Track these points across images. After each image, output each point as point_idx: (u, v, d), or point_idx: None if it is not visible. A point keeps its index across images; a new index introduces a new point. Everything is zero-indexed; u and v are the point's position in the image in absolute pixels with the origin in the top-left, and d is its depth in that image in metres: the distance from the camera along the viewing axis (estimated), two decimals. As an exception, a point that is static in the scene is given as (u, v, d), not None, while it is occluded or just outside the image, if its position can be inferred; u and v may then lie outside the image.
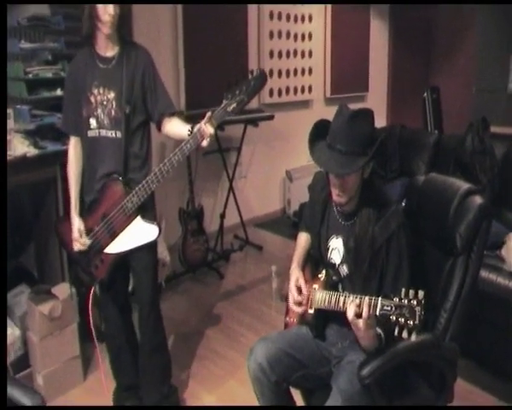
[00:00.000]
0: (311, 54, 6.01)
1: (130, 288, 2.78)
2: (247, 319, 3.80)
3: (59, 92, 3.12)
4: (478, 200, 2.04)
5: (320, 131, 2.01)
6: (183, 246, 4.21)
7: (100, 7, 2.25)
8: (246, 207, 5.28)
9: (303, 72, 5.97)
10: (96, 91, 2.39)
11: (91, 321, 2.59)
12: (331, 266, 2.09)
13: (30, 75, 3.07)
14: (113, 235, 2.40)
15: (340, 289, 2.06)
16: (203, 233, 4.37)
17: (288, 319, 2.31)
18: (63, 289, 2.95)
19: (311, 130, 2.04)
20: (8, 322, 2.96)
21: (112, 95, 2.38)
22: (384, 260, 1.95)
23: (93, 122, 2.41)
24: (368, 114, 1.94)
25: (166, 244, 4.09)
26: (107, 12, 2.25)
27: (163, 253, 3.95)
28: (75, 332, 3.01)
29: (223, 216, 4.90)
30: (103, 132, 2.41)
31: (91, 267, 2.48)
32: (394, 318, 1.64)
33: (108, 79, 2.39)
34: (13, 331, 2.95)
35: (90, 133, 2.43)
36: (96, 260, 2.46)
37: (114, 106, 2.38)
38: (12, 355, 2.91)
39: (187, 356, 3.33)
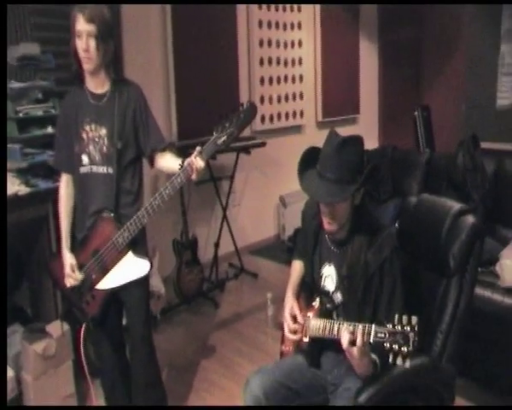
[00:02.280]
0: (301, 79, 6.05)
1: (124, 322, 2.76)
2: (243, 347, 3.76)
3: (50, 130, 3.11)
4: (470, 219, 2.05)
5: (309, 160, 2.02)
6: (177, 277, 4.18)
7: (77, 42, 2.26)
8: (240, 235, 5.27)
9: (294, 97, 5.99)
10: (87, 128, 2.39)
11: (83, 358, 2.56)
12: (325, 294, 2.08)
13: (20, 114, 3.06)
14: (104, 271, 2.38)
15: (335, 317, 2.05)
16: (198, 263, 4.35)
17: (283, 347, 2.29)
18: (57, 327, 2.92)
19: (300, 159, 2.05)
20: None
21: (104, 131, 2.38)
22: (378, 286, 1.94)
23: (85, 158, 2.41)
24: (357, 142, 1.95)
25: (161, 276, 4.07)
26: (81, 47, 2.26)
27: (158, 285, 3.93)
28: (70, 370, 2.97)
29: (217, 245, 4.87)
30: (95, 168, 2.41)
31: (83, 303, 2.46)
32: (388, 345, 1.63)
33: (100, 116, 2.39)
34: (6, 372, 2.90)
35: (82, 170, 2.43)
36: (87, 297, 2.44)
37: (106, 142, 2.38)
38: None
39: (183, 388, 3.28)
